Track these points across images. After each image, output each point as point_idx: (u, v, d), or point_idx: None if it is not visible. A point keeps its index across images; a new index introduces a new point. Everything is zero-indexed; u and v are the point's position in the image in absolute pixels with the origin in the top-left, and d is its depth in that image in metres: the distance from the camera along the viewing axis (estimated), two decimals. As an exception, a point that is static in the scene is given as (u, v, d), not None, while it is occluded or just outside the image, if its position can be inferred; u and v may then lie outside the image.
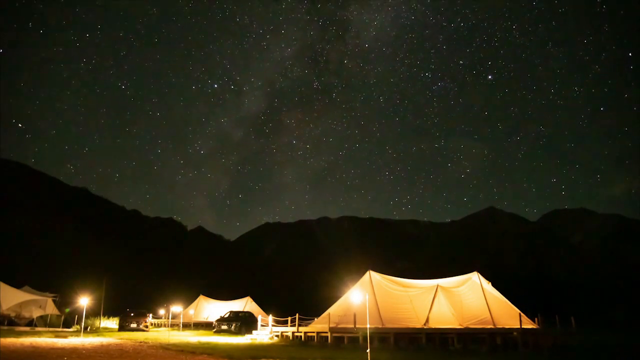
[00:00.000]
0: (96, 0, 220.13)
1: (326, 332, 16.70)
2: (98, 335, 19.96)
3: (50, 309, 26.47)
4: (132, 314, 27.71)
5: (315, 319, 20.07)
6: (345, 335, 16.49)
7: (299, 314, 19.37)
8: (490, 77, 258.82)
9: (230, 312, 28.86)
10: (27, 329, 22.75)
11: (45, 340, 15.61)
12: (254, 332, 21.04)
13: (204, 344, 16.41)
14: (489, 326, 17.97)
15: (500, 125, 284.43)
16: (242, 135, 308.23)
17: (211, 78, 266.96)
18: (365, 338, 13.30)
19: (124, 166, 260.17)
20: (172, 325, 31.26)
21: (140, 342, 16.45)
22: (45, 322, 25.10)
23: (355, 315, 16.03)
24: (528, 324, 18.98)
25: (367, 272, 19.19)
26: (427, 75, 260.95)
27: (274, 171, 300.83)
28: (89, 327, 25.55)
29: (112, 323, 31.08)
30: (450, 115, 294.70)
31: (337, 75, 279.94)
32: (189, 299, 39.12)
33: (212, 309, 36.22)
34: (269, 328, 20.37)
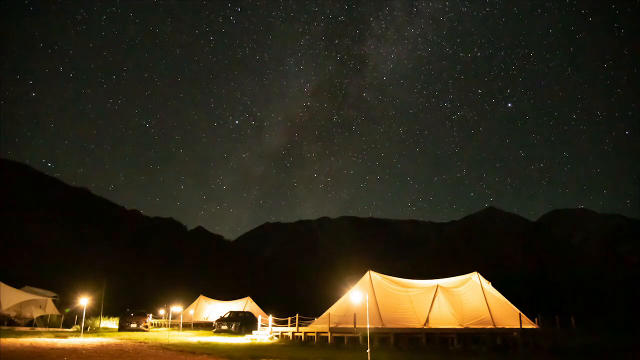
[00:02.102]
0: (122, 44, 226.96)
1: (326, 332, 16.69)
2: (98, 336, 19.96)
3: (50, 309, 26.44)
4: (132, 314, 27.72)
5: (315, 319, 20.07)
6: (345, 335, 16.49)
7: (299, 314, 19.36)
8: (509, 105, 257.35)
9: (230, 312, 28.87)
10: (27, 329, 22.75)
11: (45, 340, 15.61)
12: (254, 332, 21.04)
13: (204, 344, 16.41)
14: (489, 326, 17.98)
15: (522, 152, 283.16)
16: (263, 170, 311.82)
17: (232, 114, 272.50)
18: (365, 338, 13.29)
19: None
20: (172, 326, 31.26)
21: (140, 342, 16.45)
22: (45, 322, 25.10)
23: (355, 315, 16.02)
24: (528, 324, 18.99)
25: (367, 272, 19.18)
26: (446, 106, 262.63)
27: (295, 205, 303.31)
28: (89, 327, 25.55)
29: (112, 323, 31.08)
30: (471, 145, 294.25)
31: (357, 108, 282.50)
32: (189, 299, 39.11)
33: (212, 309, 36.23)
34: (269, 328, 20.37)
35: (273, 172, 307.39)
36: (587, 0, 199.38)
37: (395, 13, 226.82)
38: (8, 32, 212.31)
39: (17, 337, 16.07)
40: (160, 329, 30.69)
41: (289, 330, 19.73)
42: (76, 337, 17.47)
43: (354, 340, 16.12)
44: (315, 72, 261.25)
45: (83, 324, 19.88)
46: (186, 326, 31.27)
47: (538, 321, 20.33)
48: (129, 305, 31.70)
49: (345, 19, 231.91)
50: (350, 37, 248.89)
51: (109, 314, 32.57)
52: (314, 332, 17.80)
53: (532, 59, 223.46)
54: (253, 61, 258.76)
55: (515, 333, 17.59)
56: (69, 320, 25.86)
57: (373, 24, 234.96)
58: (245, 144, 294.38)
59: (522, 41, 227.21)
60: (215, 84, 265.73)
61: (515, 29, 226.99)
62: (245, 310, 32.41)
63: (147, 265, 68.65)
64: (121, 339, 18.15)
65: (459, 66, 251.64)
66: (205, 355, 11.81)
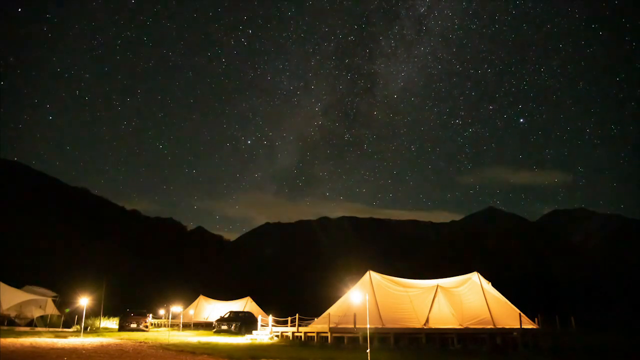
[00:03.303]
0: (136, 68, 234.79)
1: (326, 332, 16.69)
2: (98, 336, 19.96)
3: (50, 309, 26.42)
4: (132, 314, 27.70)
5: (315, 319, 20.06)
6: (345, 335, 16.48)
7: (299, 314, 19.35)
8: (522, 120, 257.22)
9: (230, 312, 28.86)
10: (27, 329, 22.73)
11: (45, 340, 15.60)
12: (254, 332, 21.03)
13: (204, 344, 16.41)
14: (489, 326, 17.97)
15: (536, 168, 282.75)
16: (275, 189, 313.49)
17: (244, 135, 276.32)
18: (365, 338, 13.29)
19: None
20: (172, 326, 31.25)
21: (140, 342, 16.45)
22: (45, 322, 25.09)
23: (355, 315, 16.01)
24: (528, 324, 18.98)
25: (367, 272, 19.18)
26: (458, 122, 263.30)
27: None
28: (89, 327, 25.54)
29: (112, 323, 31.06)
30: (483, 161, 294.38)
31: (368, 127, 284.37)
32: (189, 299, 39.10)
33: (212, 309, 36.21)
34: (269, 328, 20.36)
35: (285, 191, 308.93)
36: (597, 15, 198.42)
37: (404, 32, 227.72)
38: (26, 57, 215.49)
39: (17, 337, 16.06)
40: (160, 329, 30.69)
41: (289, 330, 19.72)
42: (76, 337, 17.47)
43: (354, 340, 16.11)
44: (326, 92, 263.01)
45: (83, 324, 19.86)
46: (186, 326, 31.26)
47: (538, 321, 20.33)
48: (129, 305, 31.69)
49: (355, 39, 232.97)
50: (360, 57, 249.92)
51: (109, 314, 32.55)
52: (314, 332, 17.79)
53: (543, 74, 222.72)
54: (264, 82, 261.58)
55: (515, 333, 17.57)
56: (69, 320, 25.83)
57: (383, 43, 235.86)
58: (258, 163, 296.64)
59: (532, 57, 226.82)
60: (227, 105, 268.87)
61: (525, 44, 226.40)
62: (245, 310, 32.39)
63: (147, 265, 68.66)
64: (121, 339, 18.14)
65: (469, 83, 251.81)
66: (205, 355, 11.81)
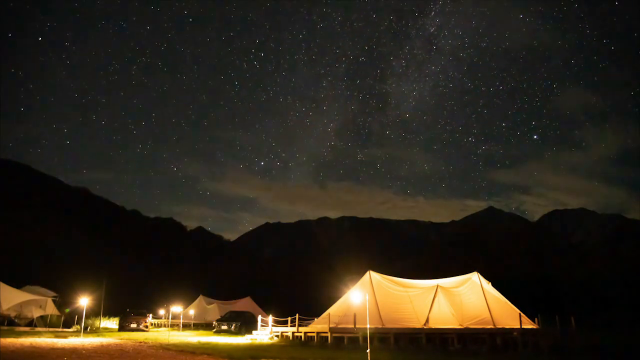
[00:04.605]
0: (151, 92, 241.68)
1: (326, 332, 16.68)
2: (98, 336, 19.95)
3: (50, 309, 26.43)
4: (132, 314, 27.70)
5: (315, 319, 20.06)
6: (345, 335, 16.48)
7: (299, 314, 19.35)
8: (535, 136, 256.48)
9: (230, 312, 28.87)
10: (27, 329, 22.73)
11: (45, 340, 15.60)
12: (254, 332, 21.03)
13: (204, 344, 16.41)
14: (489, 326, 17.97)
15: (549, 181, 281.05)
16: (289, 210, 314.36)
17: (258, 156, 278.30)
18: (365, 338, 13.29)
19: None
20: (172, 326, 31.26)
21: (140, 342, 16.44)
22: (45, 322, 25.08)
23: (355, 315, 16.01)
24: (528, 324, 18.98)
25: (367, 272, 19.18)
26: (471, 140, 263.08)
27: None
28: (89, 327, 25.53)
29: (112, 323, 31.07)
30: (497, 178, 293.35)
31: (381, 146, 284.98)
32: (189, 299, 39.10)
33: (212, 309, 36.21)
34: (269, 328, 20.36)
35: (300, 211, 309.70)
36: (608, 29, 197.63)
37: (415, 51, 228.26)
38: (45, 86, 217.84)
39: (17, 337, 16.06)
40: (160, 329, 30.69)
41: (289, 330, 19.72)
42: (76, 337, 17.47)
43: (354, 340, 16.11)
44: (338, 112, 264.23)
45: (83, 324, 19.86)
46: (186, 326, 31.26)
47: (538, 321, 20.32)
48: (129, 305, 31.69)
49: (366, 59, 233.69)
50: (371, 77, 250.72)
51: (109, 314, 32.55)
52: (314, 332, 17.79)
53: (555, 90, 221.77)
54: (277, 104, 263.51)
55: (515, 333, 17.57)
56: (69, 320, 25.83)
57: (394, 63, 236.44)
58: (272, 184, 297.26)
59: (544, 72, 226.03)
60: (241, 127, 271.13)
61: (537, 60, 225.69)
62: (245, 310, 32.39)
63: (147, 265, 68.65)
64: (121, 339, 18.14)
65: (481, 100, 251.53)
66: (205, 355, 11.81)
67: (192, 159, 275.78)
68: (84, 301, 18.52)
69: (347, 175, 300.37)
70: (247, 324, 25.15)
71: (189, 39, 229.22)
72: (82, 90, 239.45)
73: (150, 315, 30.79)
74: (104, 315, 31.02)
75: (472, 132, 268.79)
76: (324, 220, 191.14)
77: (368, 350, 10.38)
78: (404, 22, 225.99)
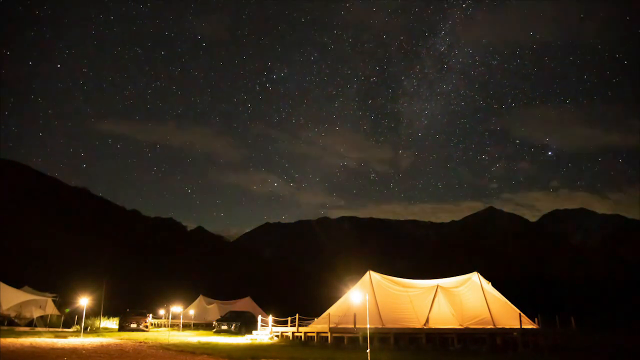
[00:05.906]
0: (165, 116, 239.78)
1: (326, 332, 16.68)
2: (98, 336, 19.95)
3: (50, 309, 26.42)
4: (132, 314, 27.67)
5: (315, 319, 20.05)
6: (345, 335, 16.48)
7: (299, 314, 19.35)
8: (550, 153, 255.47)
9: (230, 312, 28.86)
10: (27, 329, 22.73)
11: (45, 340, 15.60)
12: (254, 332, 21.02)
13: (204, 344, 16.41)
14: (489, 326, 17.97)
15: (563, 191, 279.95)
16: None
17: (271, 177, 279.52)
18: (365, 338, 13.29)
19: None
20: (172, 326, 31.24)
21: (140, 342, 16.44)
22: (45, 322, 25.07)
23: (355, 315, 16.01)
24: (528, 324, 18.98)
25: (367, 272, 19.17)
26: (484, 158, 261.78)
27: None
28: (89, 328, 25.51)
29: (112, 323, 31.05)
30: (513, 195, 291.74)
31: (393, 165, 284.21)
32: (189, 299, 39.09)
33: (212, 309, 36.20)
34: (269, 328, 20.35)
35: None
36: (620, 44, 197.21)
37: (426, 71, 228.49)
38: (64, 109, 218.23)
39: (17, 337, 16.06)
40: (160, 329, 30.68)
41: (289, 330, 19.71)
42: (76, 337, 17.47)
43: (354, 340, 16.11)
44: (350, 132, 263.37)
45: (83, 324, 19.86)
46: (186, 326, 31.25)
47: (538, 321, 20.31)
48: (129, 305, 31.67)
49: (377, 80, 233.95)
50: (383, 97, 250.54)
51: (109, 314, 32.53)
52: (314, 332, 17.79)
53: (569, 106, 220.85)
54: (289, 125, 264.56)
55: (515, 333, 17.57)
56: (69, 320, 25.82)
57: (405, 83, 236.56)
58: (284, 205, 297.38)
59: (556, 89, 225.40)
60: (254, 149, 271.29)
61: (549, 77, 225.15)
62: (245, 310, 32.38)
63: (147, 265, 68.65)
64: (121, 339, 18.14)
65: (494, 118, 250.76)
66: (205, 355, 11.81)
67: (205, 181, 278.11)
68: (83, 301, 18.52)
69: (360, 195, 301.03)
70: (247, 324, 25.14)
71: (202, 63, 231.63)
72: (98, 114, 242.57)
73: (150, 315, 30.78)
74: (104, 315, 31.01)
75: (486, 149, 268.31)
76: (324, 220, 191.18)
77: (368, 350, 10.38)
78: (414, 42, 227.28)
